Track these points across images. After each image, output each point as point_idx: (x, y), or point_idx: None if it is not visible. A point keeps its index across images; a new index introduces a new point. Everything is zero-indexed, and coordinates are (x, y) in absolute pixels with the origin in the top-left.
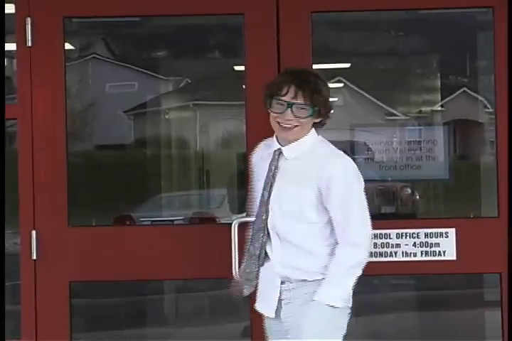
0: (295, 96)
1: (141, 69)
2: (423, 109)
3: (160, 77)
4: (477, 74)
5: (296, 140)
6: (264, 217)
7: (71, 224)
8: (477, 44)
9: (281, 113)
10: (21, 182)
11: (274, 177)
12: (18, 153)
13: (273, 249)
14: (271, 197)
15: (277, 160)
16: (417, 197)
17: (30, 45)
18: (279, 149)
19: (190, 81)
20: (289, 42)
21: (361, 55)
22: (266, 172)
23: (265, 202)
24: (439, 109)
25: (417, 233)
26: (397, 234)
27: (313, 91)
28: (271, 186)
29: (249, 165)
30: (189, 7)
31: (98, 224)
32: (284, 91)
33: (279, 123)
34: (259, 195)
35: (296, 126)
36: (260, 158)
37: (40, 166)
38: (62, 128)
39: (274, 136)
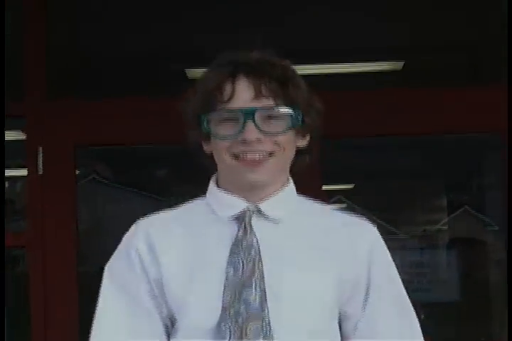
0: (255, 96)
1: (139, 191)
2: (426, 227)
3: (158, 198)
4: (479, 192)
5: (268, 188)
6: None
7: None
8: (482, 164)
9: (236, 134)
10: (34, 316)
11: (258, 255)
12: (29, 282)
13: None
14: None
15: (250, 227)
16: (422, 317)
17: (41, 173)
18: (255, 207)
19: None
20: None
21: (364, 175)
22: (216, 250)
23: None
24: (442, 227)
25: None
26: None
27: (284, 80)
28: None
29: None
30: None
31: None
32: (228, 93)
33: (236, 156)
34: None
35: (271, 153)
36: (176, 231)
37: (52, 300)
38: (74, 254)
39: (212, 193)
